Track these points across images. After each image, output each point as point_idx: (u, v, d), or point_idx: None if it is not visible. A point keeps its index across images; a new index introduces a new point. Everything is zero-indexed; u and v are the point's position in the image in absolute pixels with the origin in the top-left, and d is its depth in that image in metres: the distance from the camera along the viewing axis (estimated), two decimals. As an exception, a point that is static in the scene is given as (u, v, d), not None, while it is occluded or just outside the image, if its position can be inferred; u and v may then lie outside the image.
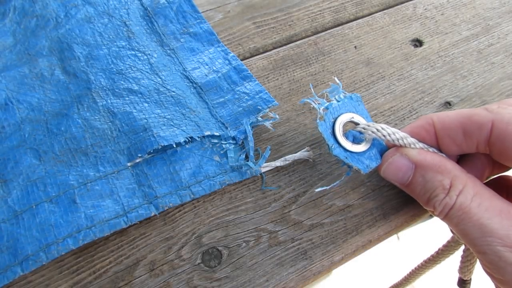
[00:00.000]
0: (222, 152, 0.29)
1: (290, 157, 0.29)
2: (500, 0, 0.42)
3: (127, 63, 0.32)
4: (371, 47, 0.37)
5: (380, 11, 0.40)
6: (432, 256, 0.32)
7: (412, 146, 0.25)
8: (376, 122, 0.32)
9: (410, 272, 0.37)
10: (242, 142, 0.29)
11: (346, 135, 0.26)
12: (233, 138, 0.29)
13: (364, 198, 0.28)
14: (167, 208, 0.26)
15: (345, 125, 0.26)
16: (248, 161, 0.28)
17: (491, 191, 0.23)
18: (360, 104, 0.27)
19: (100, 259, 0.25)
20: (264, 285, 0.25)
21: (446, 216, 0.23)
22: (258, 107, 0.30)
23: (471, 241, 0.22)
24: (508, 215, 0.22)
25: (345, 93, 0.27)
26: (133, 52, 0.33)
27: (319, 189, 0.27)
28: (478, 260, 0.24)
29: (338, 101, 0.27)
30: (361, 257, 0.30)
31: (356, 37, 0.38)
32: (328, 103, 0.26)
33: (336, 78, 0.28)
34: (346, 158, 0.25)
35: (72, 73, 0.31)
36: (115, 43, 0.33)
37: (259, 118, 0.30)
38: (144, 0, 0.37)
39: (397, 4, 0.41)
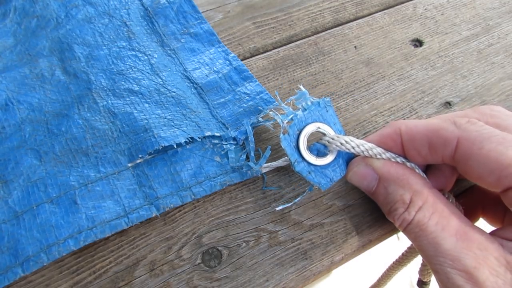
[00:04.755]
0: (222, 152, 0.29)
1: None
2: (500, 0, 0.42)
3: (127, 63, 0.32)
4: (371, 47, 0.37)
5: (380, 11, 0.40)
6: (399, 258, 0.32)
7: (378, 156, 0.25)
8: (376, 122, 0.32)
9: (379, 278, 0.37)
10: (243, 143, 0.29)
11: (310, 148, 0.25)
12: (234, 139, 0.29)
13: (364, 198, 0.29)
14: (168, 209, 0.26)
15: (310, 135, 0.25)
16: (248, 161, 0.28)
17: (452, 208, 0.23)
18: (329, 110, 0.26)
19: (100, 259, 0.25)
20: (264, 285, 0.25)
21: (405, 230, 0.24)
22: (259, 107, 0.30)
23: (426, 258, 0.23)
24: (463, 236, 0.21)
25: (313, 100, 0.26)
26: (134, 53, 0.33)
27: (280, 207, 0.27)
28: None
29: (305, 110, 0.25)
30: (361, 257, 0.29)
31: (356, 37, 0.38)
32: (293, 114, 0.25)
33: (301, 86, 0.27)
34: (309, 173, 0.25)
35: (73, 73, 0.31)
36: (115, 44, 0.33)
37: (260, 119, 0.30)
38: (145, 0, 0.37)
39: (397, 4, 0.41)
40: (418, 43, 0.38)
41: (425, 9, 0.40)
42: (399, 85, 0.35)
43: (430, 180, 0.25)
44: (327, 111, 0.26)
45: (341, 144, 0.25)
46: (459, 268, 0.21)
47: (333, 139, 0.25)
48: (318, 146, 0.25)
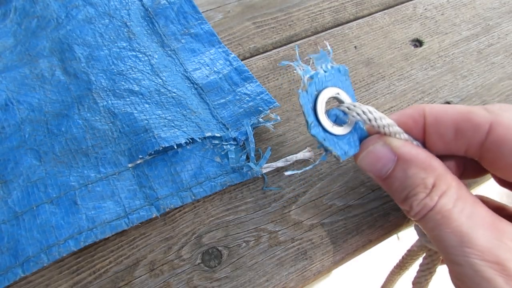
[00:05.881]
0: (223, 153, 0.29)
1: (291, 158, 0.29)
2: (500, 0, 0.42)
3: (127, 64, 0.32)
4: (371, 47, 0.37)
5: (380, 11, 0.40)
6: (399, 262, 0.31)
7: (397, 136, 0.22)
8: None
9: (382, 286, 0.36)
10: (243, 143, 0.29)
11: (328, 113, 0.23)
12: (234, 139, 0.29)
13: (364, 198, 0.29)
14: (168, 209, 0.26)
15: (328, 101, 0.23)
16: (249, 162, 0.28)
17: (475, 198, 0.21)
18: (347, 79, 0.24)
19: (100, 259, 0.25)
20: (264, 285, 0.25)
21: (423, 218, 0.21)
22: (259, 108, 0.30)
23: (445, 249, 0.20)
24: (491, 226, 0.20)
25: (333, 64, 0.23)
26: (134, 53, 0.33)
27: (289, 172, 0.25)
28: (440, 271, 0.22)
29: (325, 72, 0.23)
30: (361, 257, 0.30)
31: (356, 37, 0.38)
32: (313, 72, 0.22)
33: (327, 43, 0.25)
34: (324, 140, 0.22)
35: (73, 73, 0.31)
36: (115, 44, 0.33)
37: (260, 119, 0.30)
38: (145, 0, 0.37)
39: (397, 4, 0.41)
40: (418, 43, 0.38)
41: (425, 9, 0.40)
42: (399, 85, 0.35)
43: None
44: (345, 79, 0.24)
45: (362, 112, 0.22)
46: (490, 260, 0.19)
47: (354, 106, 0.22)
48: (337, 112, 0.23)
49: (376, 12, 0.40)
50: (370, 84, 0.35)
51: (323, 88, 0.22)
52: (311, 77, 0.22)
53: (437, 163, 0.22)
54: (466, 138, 0.21)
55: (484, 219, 0.20)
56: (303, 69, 0.22)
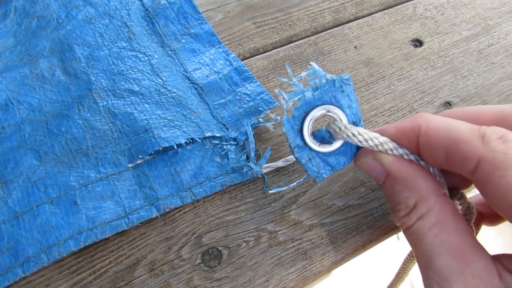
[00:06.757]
0: (223, 153, 0.29)
1: (291, 158, 0.29)
2: (500, 0, 0.42)
3: (128, 64, 0.32)
4: (371, 47, 0.37)
5: (380, 11, 0.40)
6: (406, 259, 0.31)
7: (390, 152, 0.23)
8: (376, 122, 0.32)
9: (396, 274, 0.36)
10: (243, 143, 0.29)
11: (314, 134, 0.23)
12: (234, 139, 0.29)
13: (364, 198, 0.29)
14: (168, 209, 0.26)
15: (318, 119, 0.23)
16: (249, 162, 0.28)
17: (459, 222, 0.21)
18: (346, 89, 0.23)
19: (100, 259, 0.25)
20: (264, 285, 0.25)
21: (404, 232, 0.23)
22: (259, 108, 0.30)
23: (419, 267, 0.22)
24: (460, 257, 0.19)
25: (328, 77, 0.23)
26: (134, 53, 0.33)
27: (273, 190, 0.26)
28: None
29: (316, 89, 0.22)
30: (361, 257, 0.30)
31: (356, 37, 0.38)
32: (301, 94, 0.22)
33: (314, 63, 0.23)
34: (309, 159, 0.23)
35: (73, 73, 0.31)
36: (116, 44, 0.33)
37: (260, 119, 0.30)
38: (145, 0, 0.37)
39: (397, 4, 0.41)
40: (418, 43, 0.38)
41: (425, 9, 0.40)
42: (399, 85, 0.35)
43: (446, 176, 0.23)
44: (342, 91, 0.23)
45: (350, 136, 0.22)
46: None
47: (340, 129, 0.22)
48: (324, 133, 0.23)
49: (376, 12, 0.40)
50: (370, 84, 0.35)
51: (311, 109, 0.23)
52: (299, 99, 0.22)
53: (423, 184, 0.22)
54: (456, 165, 0.21)
55: (456, 249, 0.20)
56: (291, 91, 0.23)
